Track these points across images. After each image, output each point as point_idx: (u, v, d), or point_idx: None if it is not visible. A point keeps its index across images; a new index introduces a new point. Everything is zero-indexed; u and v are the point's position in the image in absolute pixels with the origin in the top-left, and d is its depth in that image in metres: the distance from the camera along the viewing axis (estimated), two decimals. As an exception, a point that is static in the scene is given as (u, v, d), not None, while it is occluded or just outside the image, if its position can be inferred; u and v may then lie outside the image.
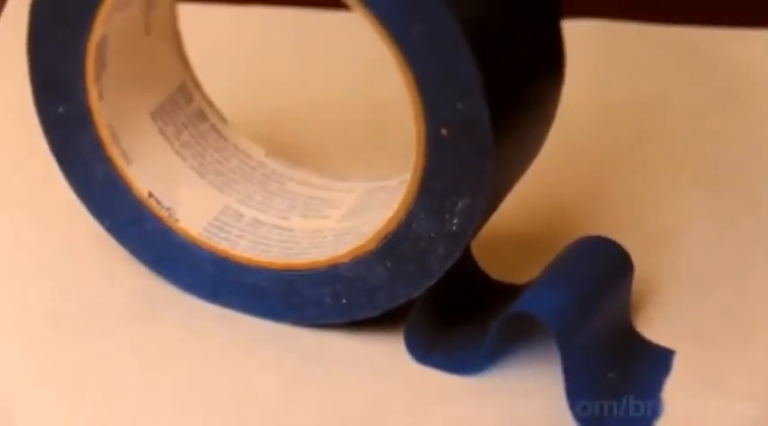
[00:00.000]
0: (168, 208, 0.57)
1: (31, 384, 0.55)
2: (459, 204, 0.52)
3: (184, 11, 0.59)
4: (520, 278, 0.56)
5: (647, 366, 0.54)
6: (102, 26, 0.53)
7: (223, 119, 0.60)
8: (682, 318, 0.57)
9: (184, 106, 0.59)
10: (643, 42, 0.73)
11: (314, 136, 0.64)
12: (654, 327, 0.56)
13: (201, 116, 0.60)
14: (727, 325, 0.57)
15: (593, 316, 0.53)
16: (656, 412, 0.52)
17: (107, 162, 0.57)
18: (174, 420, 0.54)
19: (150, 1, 0.56)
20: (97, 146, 0.56)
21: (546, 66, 0.54)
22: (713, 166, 0.65)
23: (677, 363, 0.54)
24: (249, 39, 0.71)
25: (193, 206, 0.58)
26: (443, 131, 0.50)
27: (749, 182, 0.64)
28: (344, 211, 0.57)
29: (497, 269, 0.57)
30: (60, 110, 0.56)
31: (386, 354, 0.55)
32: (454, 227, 0.52)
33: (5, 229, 0.61)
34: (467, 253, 0.54)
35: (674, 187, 0.64)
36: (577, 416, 0.52)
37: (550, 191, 0.61)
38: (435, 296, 0.54)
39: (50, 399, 0.54)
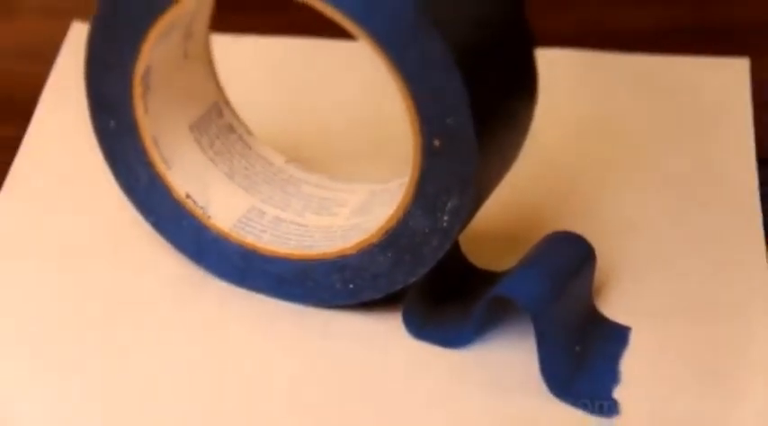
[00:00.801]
0: (203, 207, 0.58)
1: (87, 355, 0.56)
2: (449, 204, 0.52)
3: (217, 41, 0.60)
4: (500, 266, 0.56)
5: (607, 340, 0.55)
6: (147, 54, 0.54)
7: (249, 132, 0.60)
8: (637, 300, 0.57)
9: (216, 120, 0.60)
10: (606, 68, 0.72)
11: (326, 145, 0.64)
12: (613, 308, 0.57)
13: (230, 129, 0.60)
14: (676, 305, 0.57)
15: (561, 299, 0.54)
16: (615, 380, 0.53)
17: (150, 167, 0.57)
18: (209, 380, 0.54)
19: (188, 32, 0.57)
20: (142, 154, 0.57)
21: (522, 87, 0.54)
22: (663, 171, 0.65)
23: (633, 338, 0.55)
24: (272, 63, 0.71)
25: (224, 205, 0.58)
26: (436, 142, 0.51)
27: (692, 183, 0.64)
28: (351, 210, 0.58)
29: (481, 259, 0.57)
30: (111, 123, 0.57)
31: (386, 330, 0.56)
32: (445, 224, 0.53)
33: (68, 226, 0.62)
34: (455, 246, 0.55)
35: (631, 189, 0.64)
36: (549, 383, 0.53)
37: (526, 194, 0.61)
38: (428, 281, 0.55)
39: (102, 366, 0.55)
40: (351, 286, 0.56)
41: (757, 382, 0.55)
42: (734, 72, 0.71)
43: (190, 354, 0.56)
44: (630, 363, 0.54)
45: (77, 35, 0.70)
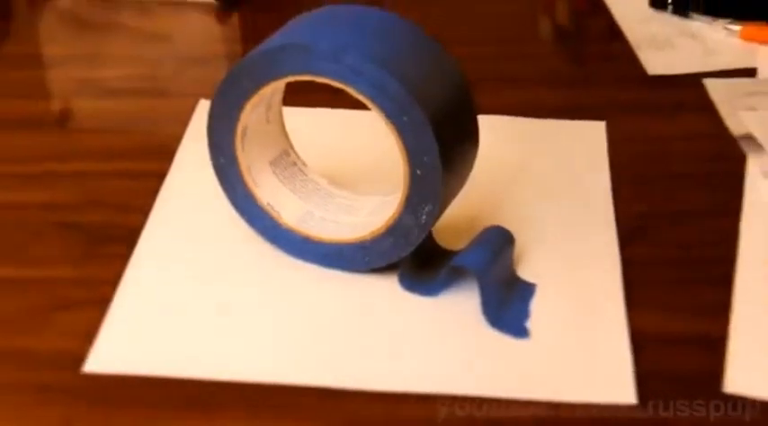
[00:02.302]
0: (277, 211, 0.59)
1: (204, 303, 0.57)
2: (426, 209, 0.55)
3: (287, 111, 0.61)
4: (457, 246, 0.58)
5: (521, 292, 0.57)
6: (244, 118, 0.57)
7: (304, 164, 0.62)
8: (539, 266, 0.59)
9: (285, 158, 0.61)
10: (518, 127, 0.72)
11: (352, 173, 0.63)
12: (524, 271, 0.59)
13: (294, 164, 0.62)
14: (561, 269, 0.59)
15: (494, 267, 0.56)
16: (526, 315, 0.56)
17: (245, 186, 0.59)
18: (283, 308, 0.57)
19: (269, 105, 0.59)
20: (240, 178, 0.59)
21: (469, 139, 0.56)
22: (553, 191, 0.66)
23: (537, 290, 0.58)
24: (320, 124, 0.70)
25: (290, 210, 0.60)
26: (418, 172, 0.54)
27: (570, 198, 0.65)
28: (368, 212, 0.59)
29: (445, 241, 0.59)
30: (222, 159, 0.59)
31: (388, 285, 0.58)
32: (423, 221, 0.55)
33: (199, 222, 0.62)
34: (429, 234, 0.57)
35: (532, 202, 0.65)
36: (486, 317, 0.55)
37: (472, 203, 0.61)
38: (414, 255, 0.57)
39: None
40: (366, 259, 0.58)
41: (607, 304, 0.57)
42: (596, 130, 0.71)
43: (264, 294, 0.58)
44: (535, 305, 0.57)
45: (203, 107, 0.72)
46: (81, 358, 0.53)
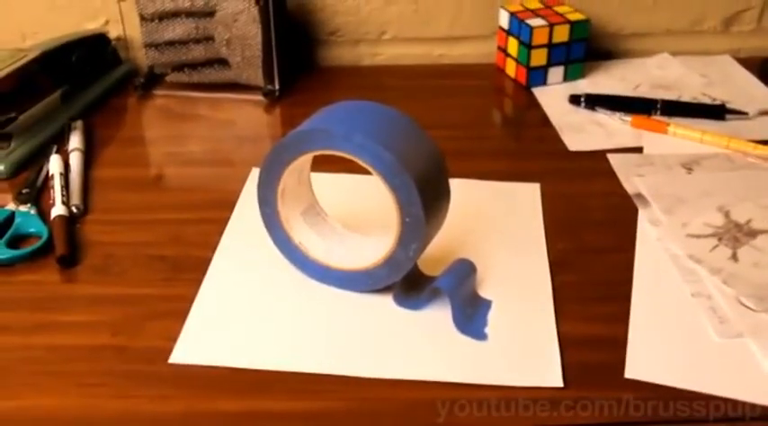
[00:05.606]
0: (306, 248, 0.58)
1: (245, 313, 0.56)
2: (413, 246, 0.54)
3: (313, 176, 0.60)
4: (435, 272, 0.57)
5: (481, 306, 0.56)
6: (282, 181, 0.56)
7: (326, 214, 0.60)
8: (493, 288, 0.58)
9: (312, 209, 0.60)
10: (476, 187, 0.69)
11: (360, 221, 0.60)
12: (483, 291, 0.57)
13: (318, 214, 0.60)
14: (511, 290, 0.58)
15: (461, 288, 0.55)
16: (485, 324, 0.55)
17: (284, 230, 0.58)
18: (310, 318, 0.56)
19: (301, 172, 0.58)
20: (280, 224, 0.58)
21: (444, 195, 0.55)
22: (502, 236, 0.63)
23: (493, 305, 0.56)
24: (336, 185, 0.65)
25: (315, 247, 0.59)
26: (407, 219, 0.53)
27: (513, 242, 0.62)
28: (371, 249, 0.57)
29: (426, 269, 0.58)
30: (268, 211, 0.58)
31: (385, 302, 0.57)
32: (411, 254, 0.54)
33: (251, 255, 0.60)
34: (415, 264, 0.56)
35: (489, 242, 0.62)
36: (456, 326, 0.54)
37: (445, 242, 0.59)
38: (404, 280, 0.56)
39: (248, 323, 0.55)
40: (370, 282, 0.57)
41: (542, 315, 0.55)
42: (532, 190, 0.69)
43: (300, 307, 0.56)
44: (491, 316, 0.55)
45: (254, 173, 0.70)
46: (167, 352, 0.53)
